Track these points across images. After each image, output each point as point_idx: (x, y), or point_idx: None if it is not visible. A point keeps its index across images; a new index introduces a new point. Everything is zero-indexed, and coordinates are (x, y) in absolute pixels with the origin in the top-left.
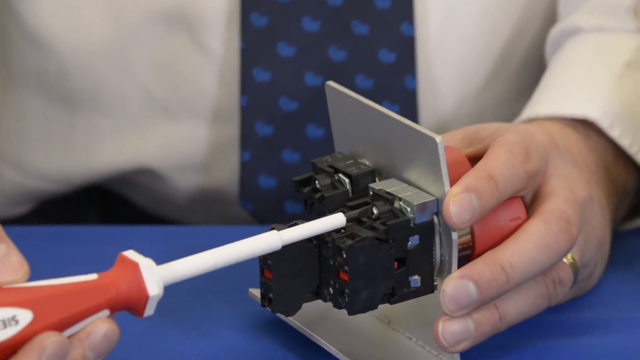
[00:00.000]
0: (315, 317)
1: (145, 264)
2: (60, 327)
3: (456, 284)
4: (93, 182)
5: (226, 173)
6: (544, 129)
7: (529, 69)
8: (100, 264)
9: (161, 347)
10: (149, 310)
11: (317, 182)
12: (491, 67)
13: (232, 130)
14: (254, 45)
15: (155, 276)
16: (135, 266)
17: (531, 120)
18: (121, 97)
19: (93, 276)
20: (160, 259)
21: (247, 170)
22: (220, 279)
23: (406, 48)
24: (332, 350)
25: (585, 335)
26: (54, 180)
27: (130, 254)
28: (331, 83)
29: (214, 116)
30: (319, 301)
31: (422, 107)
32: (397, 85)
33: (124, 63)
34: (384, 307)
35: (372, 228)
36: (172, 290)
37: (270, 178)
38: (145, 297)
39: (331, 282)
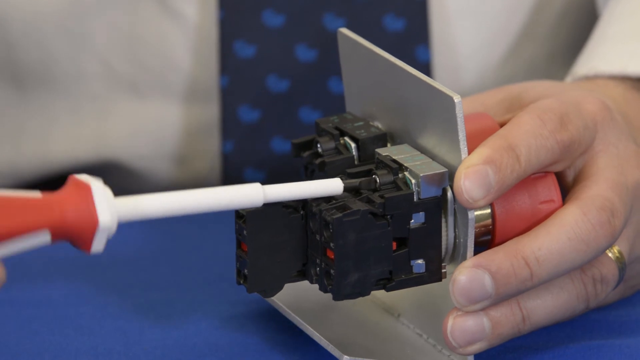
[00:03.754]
0: (313, 304)
1: (99, 187)
2: None
3: (469, 274)
4: (47, 177)
5: (205, 165)
6: (600, 95)
7: (565, 26)
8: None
9: (139, 344)
10: (98, 245)
11: (319, 145)
12: (520, 27)
13: (211, 113)
14: (235, 14)
15: (109, 203)
16: (86, 188)
17: (589, 78)
18: (78, 74)
19: (36, 194)
20: (134, 236)
21: (229, 163)
22: (206, 270)
23: (417, 12)
24: (323, 342)
25: (635, 334)
26: (2, 175)
27: (83, 177)
28: (344, 30)
29: (189, 96)
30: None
31: (437, 81)
32: (408, 57)
33: (81, 32)
34: (394, 299)
35: (369, 201)
36: (153, 283)
37: (258, 171)
38: (94, 225)
39: (317, 261)
